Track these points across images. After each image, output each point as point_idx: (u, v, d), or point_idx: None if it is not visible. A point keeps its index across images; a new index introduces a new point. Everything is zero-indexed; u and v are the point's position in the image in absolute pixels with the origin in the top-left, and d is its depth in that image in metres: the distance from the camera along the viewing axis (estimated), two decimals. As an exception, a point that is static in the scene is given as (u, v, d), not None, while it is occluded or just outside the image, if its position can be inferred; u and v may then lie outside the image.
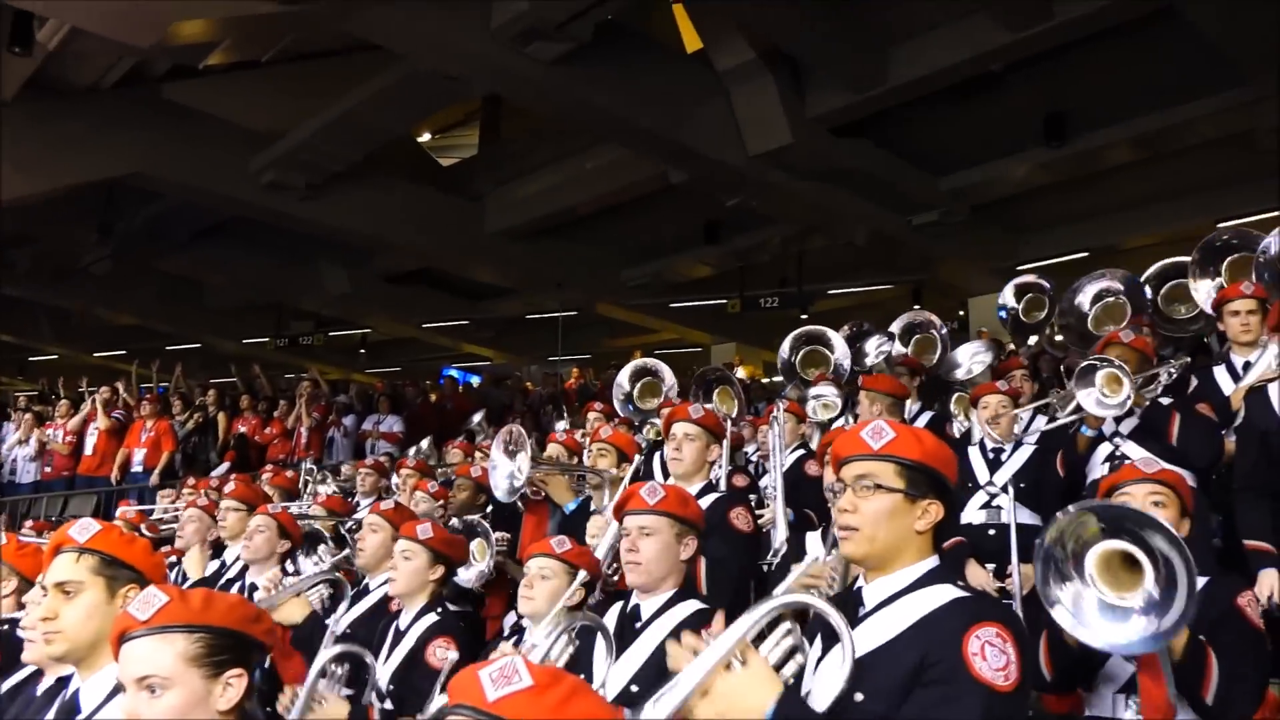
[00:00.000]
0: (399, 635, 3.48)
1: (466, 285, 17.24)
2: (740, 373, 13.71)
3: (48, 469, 10.17)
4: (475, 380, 16.16)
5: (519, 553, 4.47)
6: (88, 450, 9.94)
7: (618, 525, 3.78)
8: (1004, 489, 4.06)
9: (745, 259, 15.17)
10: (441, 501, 4.95)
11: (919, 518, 1.80)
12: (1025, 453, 4.24)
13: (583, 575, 3.00)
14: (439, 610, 3.50)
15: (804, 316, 15.33)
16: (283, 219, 13.27)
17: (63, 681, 2.19)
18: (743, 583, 3.23)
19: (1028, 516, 3.97)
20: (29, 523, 8.37)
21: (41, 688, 2.35)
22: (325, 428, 10.68)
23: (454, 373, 16.15)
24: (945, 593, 1.76)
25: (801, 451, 4.92)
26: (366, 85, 10.82)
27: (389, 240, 14.33)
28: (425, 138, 16.52)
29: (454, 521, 4.73)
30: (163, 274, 16.73)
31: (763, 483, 4.73)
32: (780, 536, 3.65)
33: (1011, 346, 7.02)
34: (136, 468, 9.63)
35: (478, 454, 6.59)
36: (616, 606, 2.68)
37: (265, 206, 12.76)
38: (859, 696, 1.66)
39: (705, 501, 3.38)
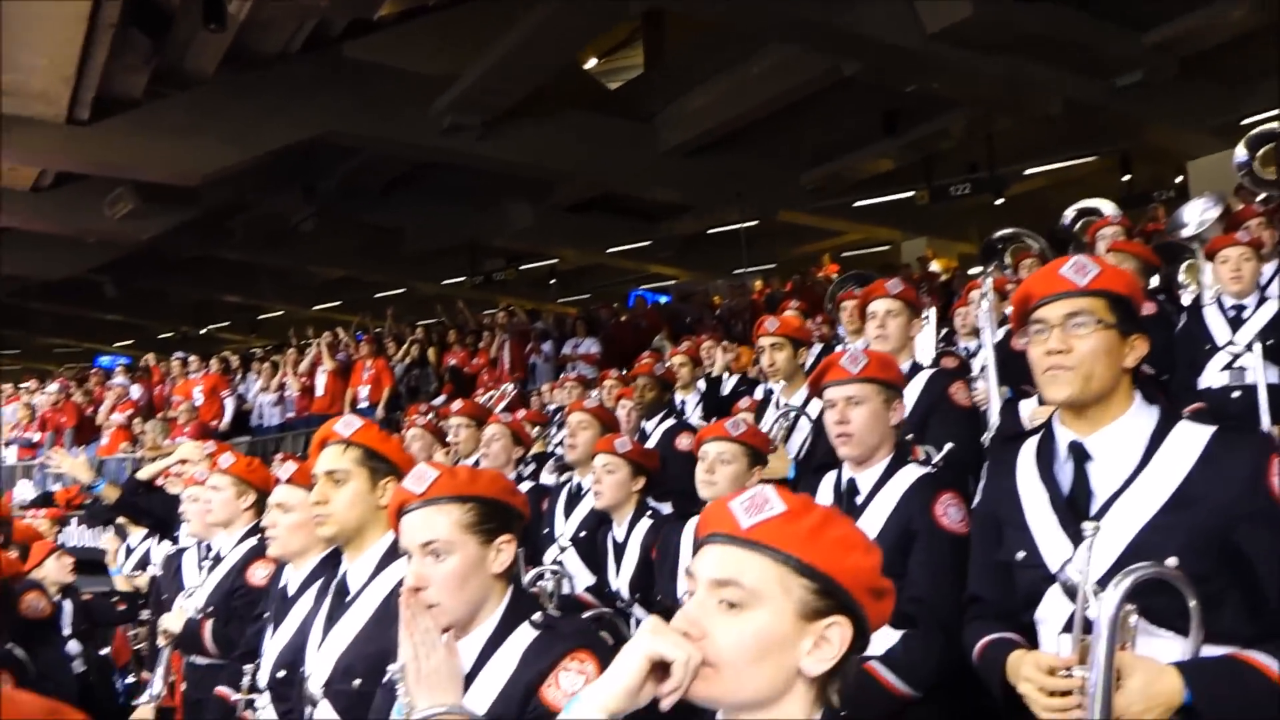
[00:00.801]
0: (620, 547, 3.61)
1: (646, 207, 17.34)
2: (934, 266, 13.18)
3: (290, 414, 11.30)
4: (663, 300, 16.32)
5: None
6: (319, 392, 10.93)
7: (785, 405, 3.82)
8: (1249, 347, 3.72)
9: (929, 148, 14.45)
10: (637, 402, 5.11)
11: (1127, 354, 1.76)
12: (1271, 308, 3.87)
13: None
14: (650, 514, 3.61)
15: (999, 202, 14.49)
16: (464, 160, 13.71)
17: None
18: (971, 460, 3.12)
19: (1276, 376, 3.64)
20: (279, 456, 9.25)
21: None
22: (526, 355, 11.13)
23: (642, 294, 16.37)
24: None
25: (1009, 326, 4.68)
26: (528, 18, 10.90)
27: (566, 170, 14.55)
28: (591, 64, 16.55)
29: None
30: (363, 226, 17.73)
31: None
32: (995, 411, 3.50)
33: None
34: (363, 403, 10.45)
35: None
36: (828, 481, 2.65)
37: (446, 149, 13.21)
38: None
39: (920, 379, 3.28)
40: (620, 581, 3.57)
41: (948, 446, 2.88)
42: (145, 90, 11.68)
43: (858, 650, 1.19)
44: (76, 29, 9.51)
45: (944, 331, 5.64)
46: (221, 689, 2.98)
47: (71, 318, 22.32)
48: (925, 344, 4.50)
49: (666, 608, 3.13)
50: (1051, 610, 1.76)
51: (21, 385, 15.82)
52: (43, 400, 13.42)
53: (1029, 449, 1.89)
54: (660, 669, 1.15)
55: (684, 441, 4.29)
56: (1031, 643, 1.79)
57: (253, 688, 2.93)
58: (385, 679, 1.82)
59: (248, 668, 2.90)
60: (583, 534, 3.86)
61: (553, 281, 20.77)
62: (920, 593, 2.32)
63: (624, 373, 6.13)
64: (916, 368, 3.45)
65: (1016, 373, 4.24)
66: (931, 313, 4.74)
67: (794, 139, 14.68)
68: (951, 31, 10.24)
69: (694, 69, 13.56)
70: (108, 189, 13.48)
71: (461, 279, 19.30)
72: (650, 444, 4.53)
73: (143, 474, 5.11)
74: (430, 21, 12.07)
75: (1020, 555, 1.81)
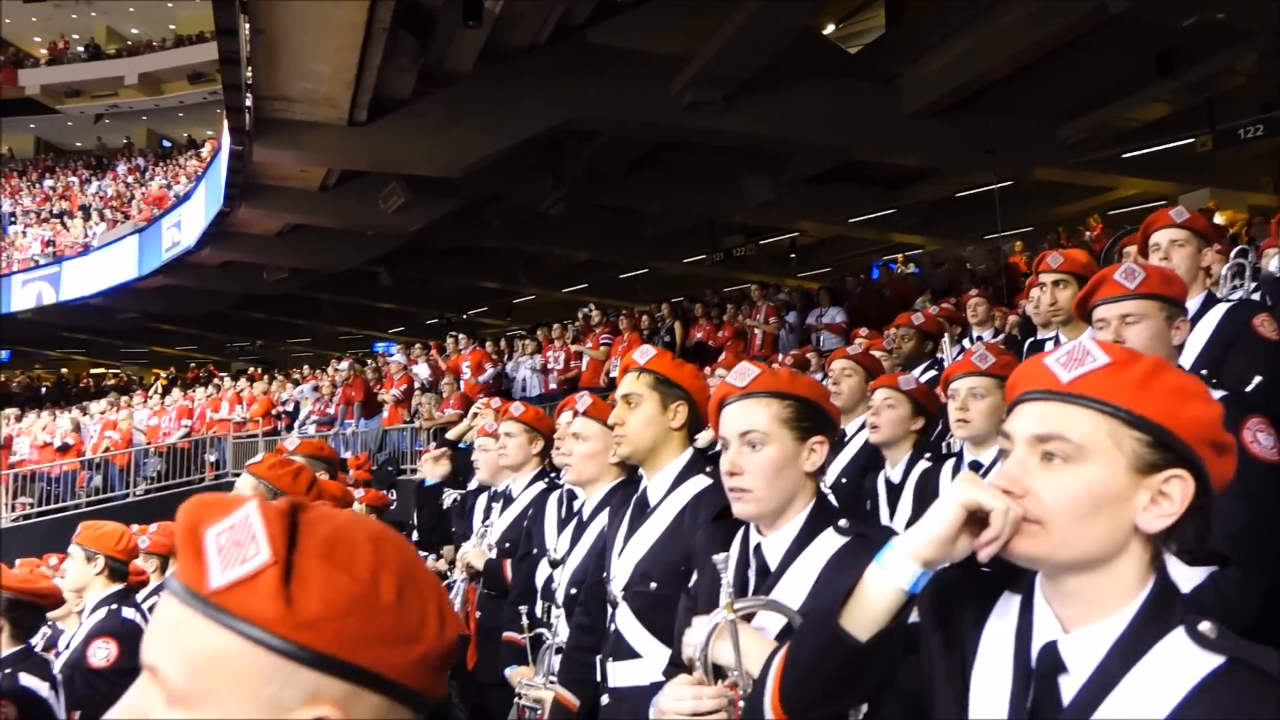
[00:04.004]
0: (895, 488, 3.55)
1: (888, 173, 16.82)
2: (1219, 219, 11.97)
3: (552, 385, 12.09)
4: (911, 269, 15.79)
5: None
6: (584, 367, 11.68)
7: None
8: None
9: (1210, 88, 13.05)
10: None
11: None
12: None
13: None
14: (928, 457, 3.52)
15: (1299, 141, 12.93)
16: (704, 136, 13.85)
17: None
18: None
19: None
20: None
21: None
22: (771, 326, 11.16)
23: (888, 264, 15.92)
24: None
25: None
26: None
27: (806, 139, 14.35)
28: (829, 29, 16.22)
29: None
30: (606, 209, 18.34)
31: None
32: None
33: None
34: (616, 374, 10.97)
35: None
36: None
37: (687, 127, 13.39)
38: None
39: (1217, 311, 2.99)
40: (897, 524, 3.51)
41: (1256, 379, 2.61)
42: (413, 90, 12.64)
43: (1199, 509, 1.11)
44: (354, 35, 10.42)
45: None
46: (509, 634, 3.22)
47: (352, 306, 24.55)
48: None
49: None
50: None
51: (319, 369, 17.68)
52: (334, 379, 15.03)
53: None
54: (977, 523, 1.12)
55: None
56: None
57: (535, 623, 3.15)
58: (690, 584, 1.91)
59: (523, 609, 3.13)
60: (844, 480, 3.82)
61: (793, 256, 20.60)
62: (1234, 528, 2.12)
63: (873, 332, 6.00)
64: (1211, 298, 3.12)
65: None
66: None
67: (1050, 90, 13.70)
68: (1239, -48, 9.22)
69: (938, 25, 12.97)
70: (382, 185, 14.73)
71: (702, 256, 19.54)
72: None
73: (451, 434, 5.78)
74: (668, 1, 12.28)
75: None
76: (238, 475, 12.53)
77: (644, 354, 2.52)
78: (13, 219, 30.46)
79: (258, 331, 28.20)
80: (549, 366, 12.69)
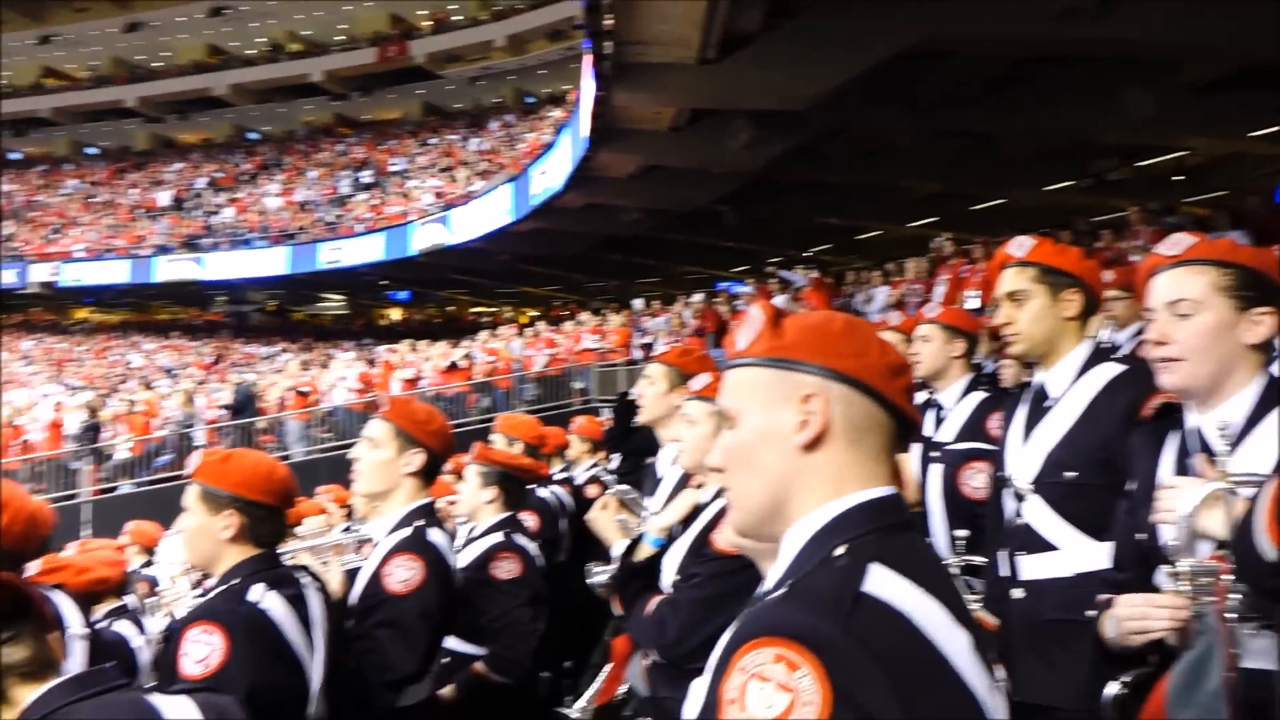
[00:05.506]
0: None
1: (1302, 76, 14.42)
2: None
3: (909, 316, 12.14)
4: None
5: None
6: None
7: None
8: None
9: None
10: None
11: None
12: None
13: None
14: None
15: None
16: (1076, 47, 12.65)
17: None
18: None
19: None
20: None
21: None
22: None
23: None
24: None
25: None
26: None
27: (1201, 43, 12.64)
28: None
29: None
30: (957, 136, 17.38)
31: None
32: None
33: None
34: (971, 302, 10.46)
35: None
36: None
37: (1058, 38, 12.25)
38: None
39: None
40: None
41: None
42: (760, 24, 12.67)
43: None
44: (706, -28, 10.63)
45: None
46: None
47: (698, 246, 25.39)
48: None
49: None
50: None
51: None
52: (687, 312, 15.78)
53: None
54: None
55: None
56: None
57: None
58: (1131, 484, 1.86)
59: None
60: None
61: (1176, 178, 18.39)
62: None
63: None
64: None
65: None
66: None
67: None
68: None
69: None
70: (728, 123, 15.00)
71: (1068, 183, 17.99)
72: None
73: None
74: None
75: None
76: (603, 401, 13.62)
77: (1022, 245, 2.42)
78: (408, 175, 34.62)
79: (614, 272, 30.06)
80: (904, 299, 12.33)
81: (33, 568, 2.74)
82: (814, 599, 1.03)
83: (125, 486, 15.80)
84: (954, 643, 1.05)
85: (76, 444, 16.17)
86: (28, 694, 1.74)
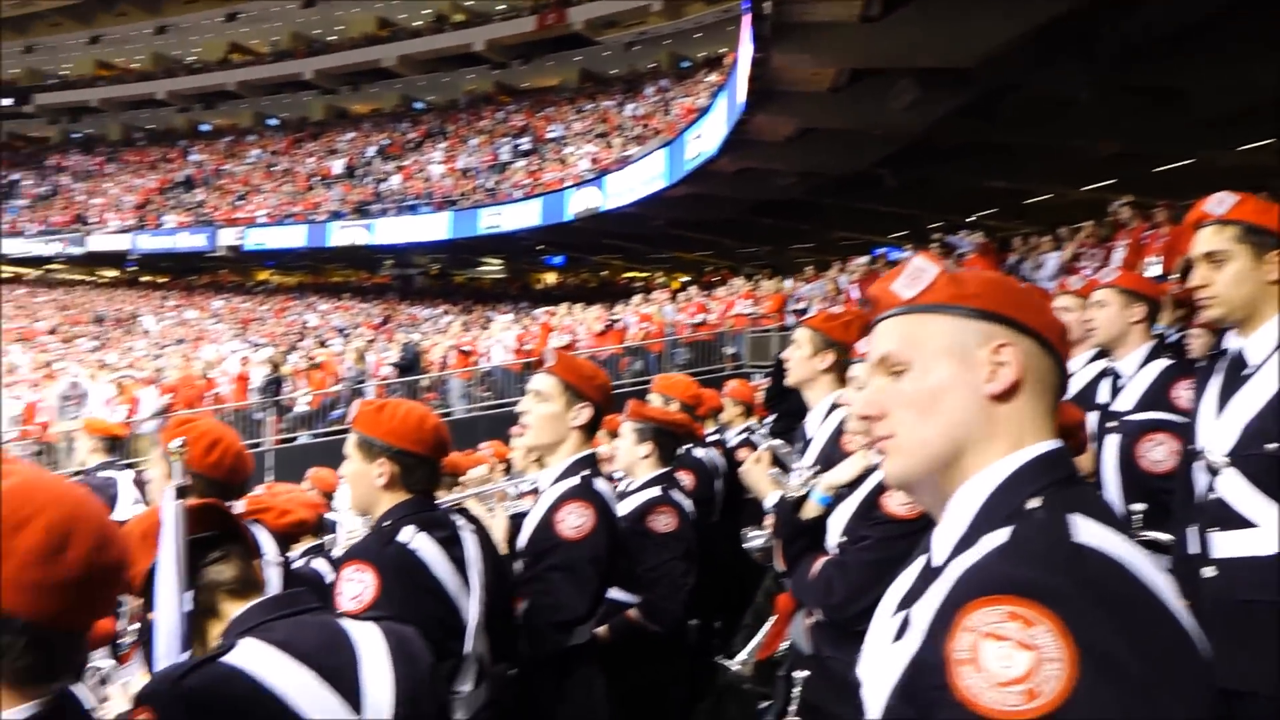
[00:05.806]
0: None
1: None
2: None
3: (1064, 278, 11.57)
4: None
5: None
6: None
7: None
8: None
9: None
10: None
11: None
12: None
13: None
14: None
15: None
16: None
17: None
18: None
19: None
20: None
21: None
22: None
23: None
24: None
25: None
26: None
27: None
28: None
29: None
30: (1141, 92, 16.27)
31: None
32: None
33: None
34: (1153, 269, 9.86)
35: None
36: None
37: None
38: None
39: None
40: None
41: None
42: (930, -21, 12.19)
43: None
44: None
45: None
46: None
47: (854, 211, 24.78)
48: None
49: None
50: None
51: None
52: (843, 278, 15.49)
53: None
54: None
55: None
56: None
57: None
58: None
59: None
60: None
61: (1398, 135, 16.66)
62: None
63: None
64: None
65: None
66: None
67: None
68: None
69: None
70: (891, 83, 14.52)
71: (1266, 141, 16.58)
72: None
73: None
74: None
75: None
76: (755, 366, 13.57)
77: (1222, 202, 2.28)
78: (565, 141, 35.16)
79: (766, 238, 29.74)
80: (1078, 266, 11.78)
81: (238, 507, 2.98)
82: (1031, 553, 1.02)
83: (304, 437, 16.89)
84: (1165, 587, 1.04)
85: (260, 396, 17.36)
86: (234, 609, 1.93)
